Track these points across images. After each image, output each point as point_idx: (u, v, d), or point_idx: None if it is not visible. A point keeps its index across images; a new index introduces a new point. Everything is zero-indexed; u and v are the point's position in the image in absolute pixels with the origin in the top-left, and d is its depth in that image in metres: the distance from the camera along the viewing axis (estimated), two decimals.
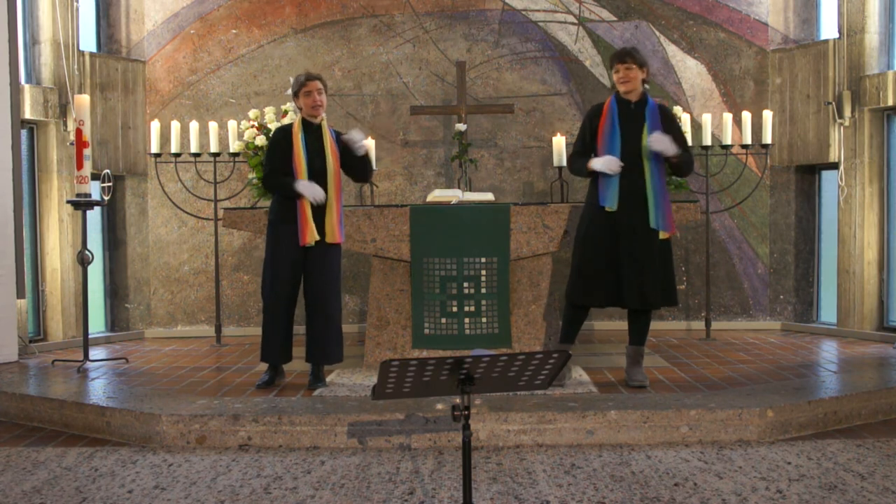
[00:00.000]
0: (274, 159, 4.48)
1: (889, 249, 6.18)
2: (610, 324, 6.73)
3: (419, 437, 3.76)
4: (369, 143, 4.49)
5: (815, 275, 6.78)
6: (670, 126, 4.35)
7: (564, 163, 6.19)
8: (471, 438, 2.61)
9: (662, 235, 4.33)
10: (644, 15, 6.87)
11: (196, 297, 6.87)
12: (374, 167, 6.16)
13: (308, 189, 4.36)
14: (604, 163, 4.28)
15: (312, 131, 4.50)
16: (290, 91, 4.80)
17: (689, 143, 6.14)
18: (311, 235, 4.40)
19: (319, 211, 4.44)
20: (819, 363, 5.20)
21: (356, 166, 4.61)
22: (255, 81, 6.86)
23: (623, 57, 4.33)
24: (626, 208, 4.30)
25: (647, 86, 4.43)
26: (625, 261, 4.31)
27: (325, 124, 4.54)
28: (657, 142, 4.23)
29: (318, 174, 4.43)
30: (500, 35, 6.93)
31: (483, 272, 4.92)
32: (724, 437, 3.78)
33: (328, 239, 4.46)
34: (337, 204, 4.48)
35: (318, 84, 4.47)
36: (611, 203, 4.30)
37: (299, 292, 4.59)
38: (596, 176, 4.37)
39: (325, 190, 4.43)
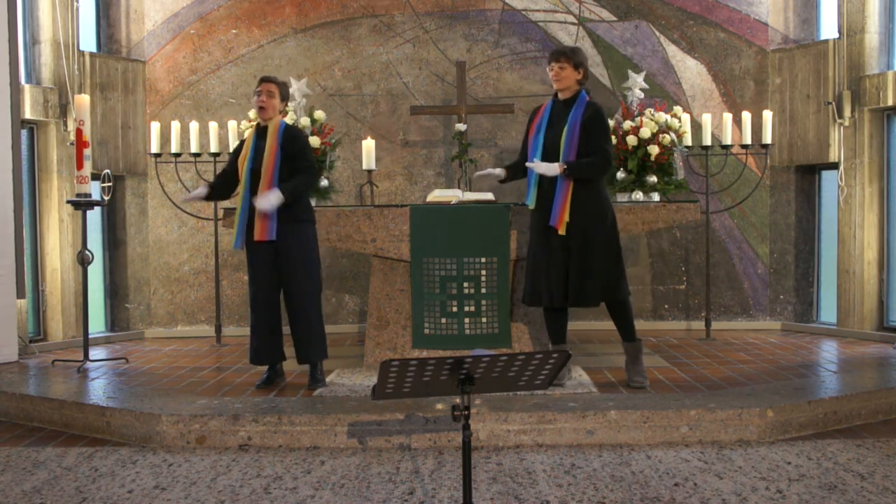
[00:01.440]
0: (230, 158, 4.73)
1: (889, 249, 6.18)
2: (609, 324, 6.69)
3: (419, 437, 3.76)
4: (268, 204, 4.40)
5: (815, 275, 6.78)
6: (590, 125, 4.27)
7: None
8: (471, 438, 2.61)
9: (559, 230, 4.26)
10: (644, 15, 6.87)
11: (196, 297, 6.87)
12: (375, 167, 6.16)
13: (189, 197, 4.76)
14: (536, 167, 4.31)
15: (261, 133, 4.55)
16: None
17: (689, 143, 6.16)
18: (237, 240, 4.53)
19: (253, 212, 4.47)
20: (819, 363, 5.20)
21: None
22: (255, 81, 6.83)
23: (557, 56, 4.34)
24: (545, 207, 4.33)
25: (583, 86, 4.39)
26: (549, 259, 4.33)
27: (273, 125, 4.51)
28: (536, 167, 4.30)
29: (254, 174, 4.47)
30: (500, 35, 6.93)
31: (483, 272, 4.92)
32: (724, 437, 3.78)
33: (255, 236, 4.45)
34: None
35: (267, 86, 4.52)
36: (530, 201, 4.42)
37: (279, 293, 4.61)
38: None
39: (257, 190, 4.42)
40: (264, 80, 4.58)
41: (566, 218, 4.24)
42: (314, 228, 4.62)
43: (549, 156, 4.30)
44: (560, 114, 4.35)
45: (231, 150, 6.13)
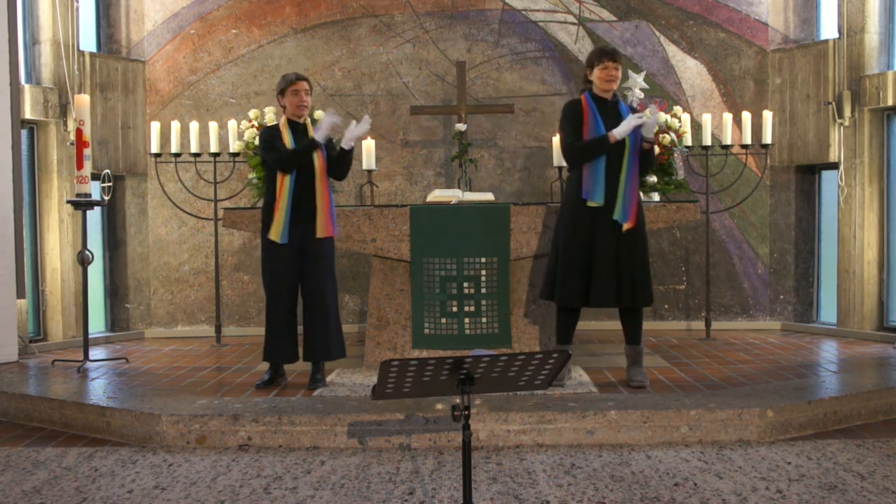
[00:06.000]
0: (278, 145, 4.49)
1: (889, 249, 6.18)
2: (610, 324, 6.71)
3: (419, 437, 3.76)
4: (360, 129, 4.51)
5: (815, 275, 6.78)
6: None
7: (564, 163, 6.18)
8: (471, 438, 2.61)
9: (626, 226, 4.30)
10: (644, 15, 6.87)
11: (196, 297, 6.87)
12: (375, 167, 6.17)
13: (327, 119, 4.41)
14: (626, 123, 4.29)
15: (299, 130, 4.57)
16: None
17: (689, 143, 6.18)
18: (280, 233, 4.46)
19: (309, 207, 4.47)
20: (819, 363, 5.20)
21: (338, 164, 4.62)
22: (255, 81, 6.86)
23: (615, 56, 4.38)
24: (608, 204, 4.33)
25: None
26: (605, 259, 4.31)
27: (308, 124, 4.62)
28: (647, 125, 4.31)
29: (305, 172, 4.46)
30: (500, 35, 6.93)
31: (483, 272, 4.93)
32: (724, 437, 3.78)
33: (319, 234, 4.49)
34: (325, 199, 4.48)
35: (306, 85, 4.55)
36: (599, 198, 4.31)
37: (298, 290, 4.61)
38: (579, 172, 4.38)
39: (313, 187, 4.45)
40: (301, 78, 4.56)
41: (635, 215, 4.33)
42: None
43: (612, 156, 4.31)
44: (605, 112, 4.39)
45: (231, 150, 6.15)
